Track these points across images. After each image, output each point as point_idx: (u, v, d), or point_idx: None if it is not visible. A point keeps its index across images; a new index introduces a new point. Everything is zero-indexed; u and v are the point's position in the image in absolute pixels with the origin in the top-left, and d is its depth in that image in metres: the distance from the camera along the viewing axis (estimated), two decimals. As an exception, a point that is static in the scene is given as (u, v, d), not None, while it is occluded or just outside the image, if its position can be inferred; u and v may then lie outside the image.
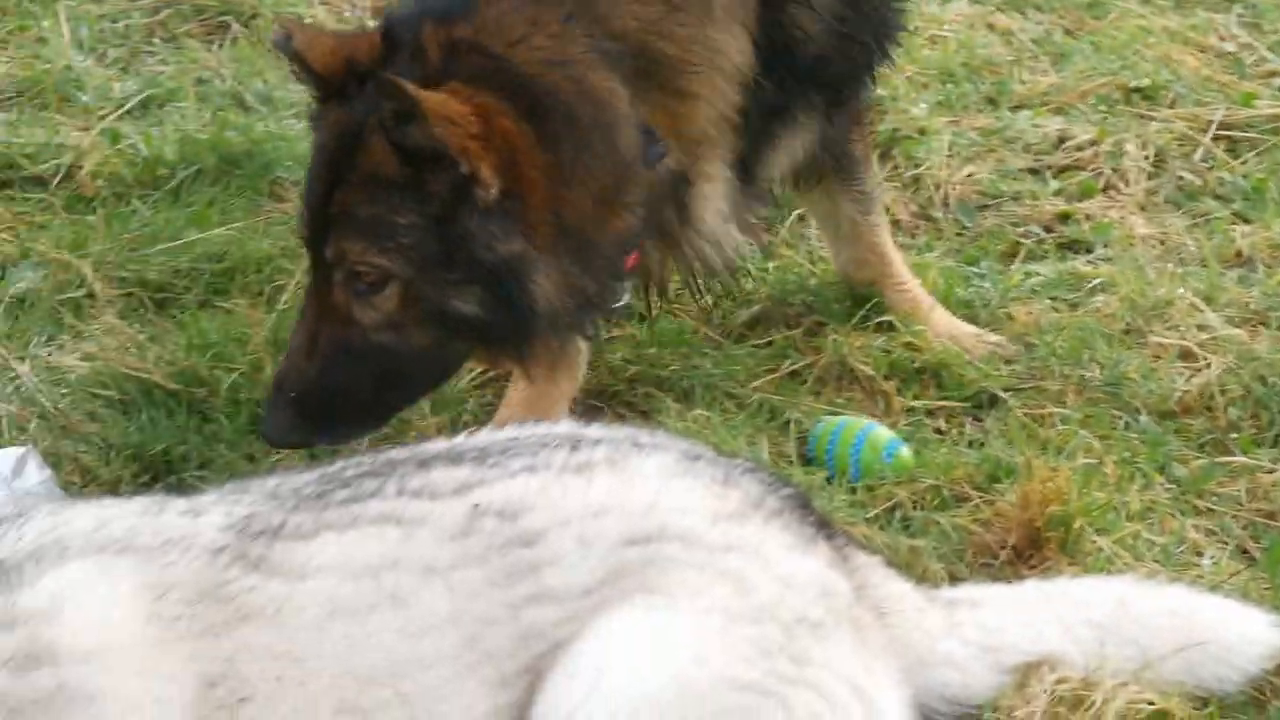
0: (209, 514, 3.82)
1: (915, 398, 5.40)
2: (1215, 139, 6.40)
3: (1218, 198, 6.16)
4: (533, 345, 4.87)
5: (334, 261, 4.73)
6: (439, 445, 4.10)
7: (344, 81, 4.80)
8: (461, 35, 4.75)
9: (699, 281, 5.52)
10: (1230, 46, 6.88)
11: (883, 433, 5.11)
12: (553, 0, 4.84)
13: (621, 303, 5.15)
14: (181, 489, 4.66)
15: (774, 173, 5.39)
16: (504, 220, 4.65)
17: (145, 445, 5.16)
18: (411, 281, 4.70)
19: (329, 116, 4.87)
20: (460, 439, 4.13)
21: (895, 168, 6.44)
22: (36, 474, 4.84)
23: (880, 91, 6.48)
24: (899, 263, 5.60)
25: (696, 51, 4.98)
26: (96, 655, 3.55)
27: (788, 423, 5.26)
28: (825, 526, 4.07)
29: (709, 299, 5.70)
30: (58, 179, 6.28)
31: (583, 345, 5.34)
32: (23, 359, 5.40)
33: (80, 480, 5.01)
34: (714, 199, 5.12)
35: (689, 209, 5.10)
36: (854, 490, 4.90)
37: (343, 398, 4.85)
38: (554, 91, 4.75)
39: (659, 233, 5.12)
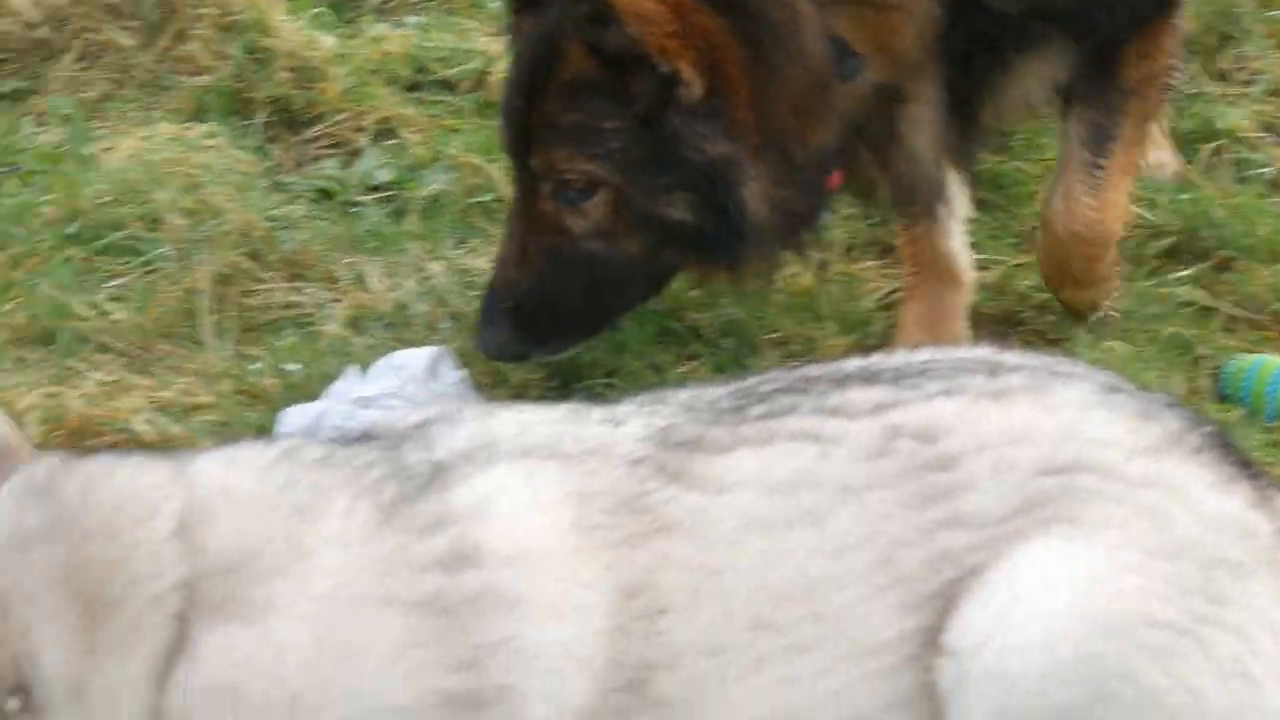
0: (628, 424, 3.82)
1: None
2: None
3: None
4: (743, 256, 4.86)
5: (540, 172, 4.74)
6: (855, 364, 4.06)
7: None
8: None
9: (900, 209, 5.39)
10: None
11: None
12: None
13: (826, 220, 5.13)
14: (589, 396, 4.68)
15: (999, 110, 5.15)
16: (710, 120, 4.62)
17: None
18: (621, 187, 4.69)
19: (523, 27, 4.86)
20: (876, 358, 4.10)
21: (1253, 71, 6.37)
22: (451, 374, 4.93)
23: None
24: (1103, 232, 5.23)
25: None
26: (520, 560, 3.60)
27: (1199, 358, 5.16)
28: (1246, 466, 3.95)
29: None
30: (468, 84, 6.27)
31: (969, 260, 5.31)
32: (435, 260, 5.41)
33: (490, 382, 5.06)
34: (922, 124, 5.03)
35: (895, 130, 5.02)
36: (1269, 429, 4.80)
37: (556, 308, 4.87)
38: (764, 8, 4.64)
39: (870, 151, 5.04)
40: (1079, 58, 5.08)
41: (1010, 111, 5.18)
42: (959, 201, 5.29)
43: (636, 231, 4.75)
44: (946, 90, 5.00)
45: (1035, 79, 5.07)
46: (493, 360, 5.01)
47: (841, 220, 5.63)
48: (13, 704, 3.36)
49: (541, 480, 3.69)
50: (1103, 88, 5.14)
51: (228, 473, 3.69)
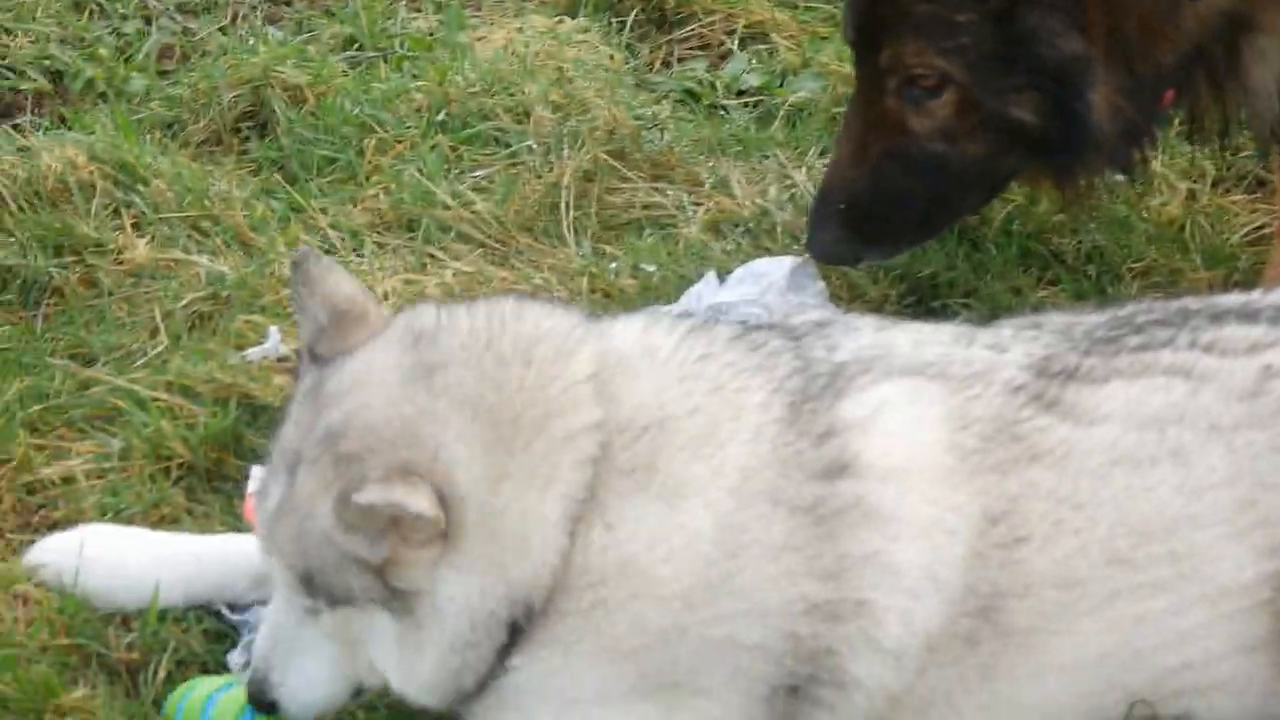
0: (1011, 351, 3.85)
1: None
2: None
3: None
4: (1079, 164, 4.78)
5: (888, 67, 4.61)
6: (1233, 299, 4.04)
7: None
8: None
9: (1226, 140, 5.25)
10: None
11: None
12: None
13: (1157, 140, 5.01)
14: (946, 314, 4.64)
15: None
16: (1065, 16, 4.48)
17: (913, 268, 5.15)
18: (970, 86, 4.57)
19: None
20: (1255, 295, 4.08)
21: None
22: (812, 285, 4.91)
23: None
24: None
25: None
26: (895, 477, 3.63)
27: None
28: None
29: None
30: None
31: None
32: (800, 167, 5.38)
33: (847, 296, 5.04)
34: (1269, 56, 4.84)
35: (1239, 59, 4.84)
36: None
37: (890, 211, 4.78)
38: None
39: (1207, 78, 4.87)
40: None
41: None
42: None
43: (980, 133, 4.66)
44: None
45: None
46: (822, 263, 4.95)
47: (1211, 151, 5.53)
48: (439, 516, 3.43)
49: (926, 400, 3.75)
50: None
51: (646, 333, 3.78)
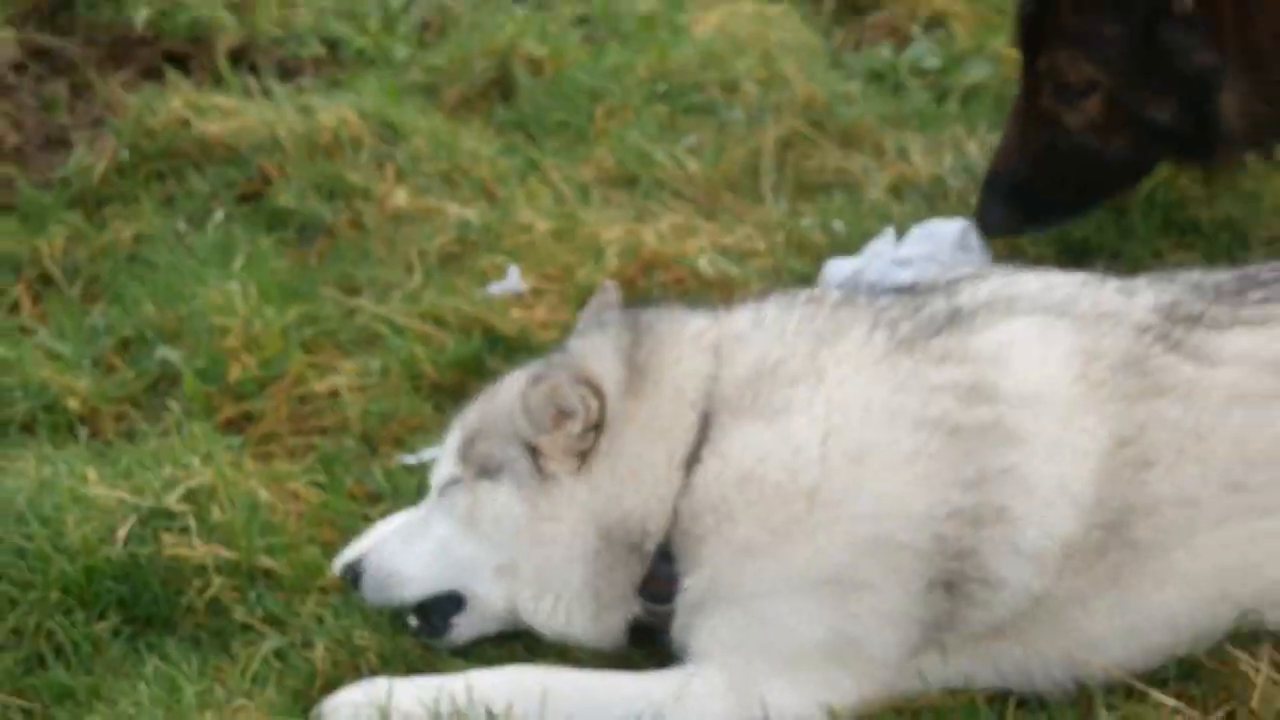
0: (1141, 295, 3.88)
1: None
2: None
3: None
4: (1216, 157, 4.83)
5: (1045, 71, 4.74)
6: None
7: None
8: None
9: None
10: None
11: None
12: None
13: None
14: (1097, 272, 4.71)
15: None
16: (1199, 33, 4.55)
17: (1066, 231, 5.21)
18: (1114, 89, 4.69)
19: None
20: None
21: None
22: (978, 244, 5.01)
23: None
24: None
25: None
26: (1031, 402, 3.68)
27: None
28: None
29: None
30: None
31: None
32: (972, 140, 5.47)
33: (1009, 254, 5.06)
34: None
35: None
36: None
37: (1047, 192, 4.86)
38: None
39: None
40: None
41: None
42: None
43: (1123, 129, 4.74)
44: None
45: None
46: (989, 236, 5.03)
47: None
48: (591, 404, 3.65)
49: (1056, 335, 3.78)
50: None
51: (759, 311, 3.84)
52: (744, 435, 3.64)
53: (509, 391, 3.75)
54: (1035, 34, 4.75)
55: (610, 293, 3.99)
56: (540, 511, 3.70)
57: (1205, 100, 4.61)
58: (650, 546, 3.66)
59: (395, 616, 3.85)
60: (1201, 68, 4.57)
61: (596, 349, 3.74)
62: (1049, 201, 4.88)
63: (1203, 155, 4.81)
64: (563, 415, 3.63)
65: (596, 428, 3.65)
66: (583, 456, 3.66)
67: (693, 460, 3.64)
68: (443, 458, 3.85)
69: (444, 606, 3.80)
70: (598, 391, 3.65)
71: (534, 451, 3.67)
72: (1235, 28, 4.57)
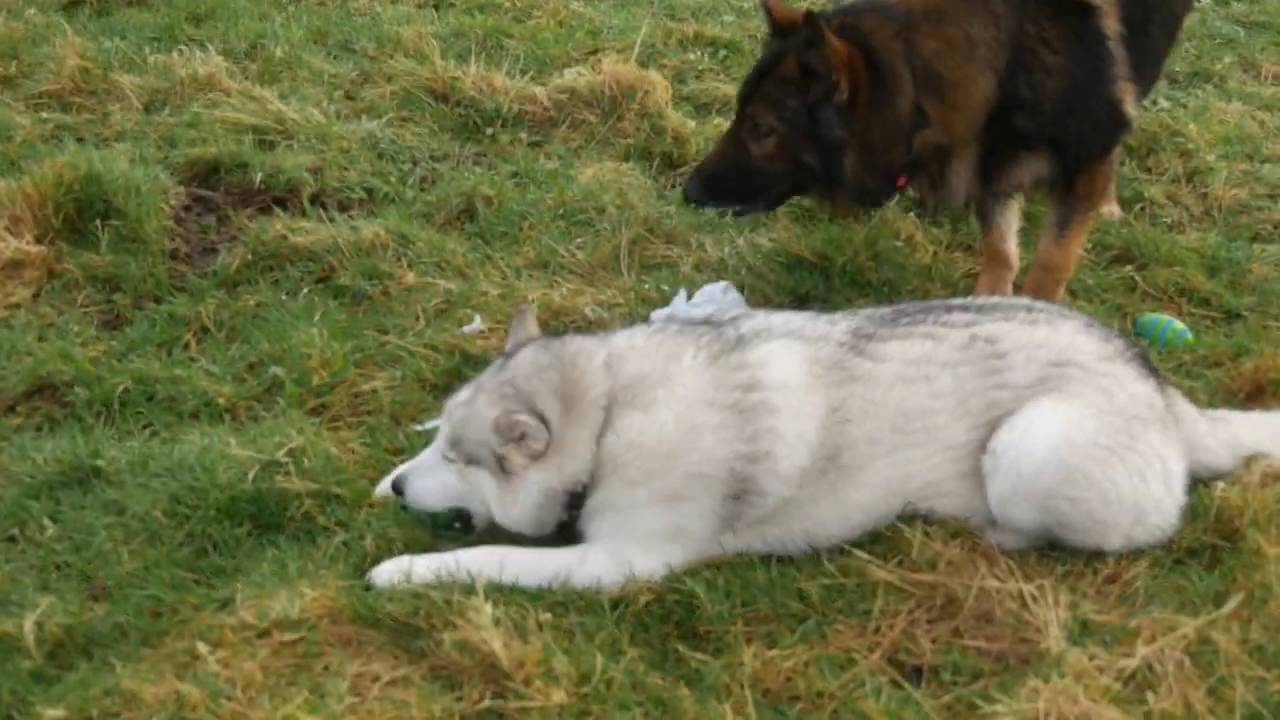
0: (840, 324, 3.93)
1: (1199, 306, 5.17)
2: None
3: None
4: (837, 196, 4.87)
5: (748, 116, 4.78)
6: (956, 301, 4.14)
7: (785, 29, 4.75)
8: (850, 22, 4.64)
9: (937, 216, 5.44)
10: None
11: (1179, 324, 4.94)
12: (893, 18, 4.65)
13: (891, 201, 5.15)
14: (816, 307, 4.67)
15: (1004, 185, 4.96)
16: (841, 117, 4.61)
17: (796, 287, 5.19)
18: (784, 135, 4.71)
19: (771, 45, 4.83)
20: (967, 299, 4.20)
21: (1165, 166, 6.16)
22: (734, 295, 5.02)
23: (1188, 145, 6.19)
24: (1062, 268, 5.07)
25: (959, 80, 4.68)
26: (782, 388, 3.73)
27: (1128, 313, 5.13)
28: (1154, 370, 4.01)
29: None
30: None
31: (1015, 253, 5.25)
32: (739, 239, 5.44)
33: (757, 300, 5.03)
34: (959, 174, 4.87)
35: (942, 173, 4.88)
36: (1159, 354, 4.76)
37: (728, 187, 4.90)
38: (882, 64, 4.60)
39: (925, 177, 4.91)
40: (1055, 169, 4.92)
41: (1013, 187, 5.02)
42: (1012, 220, 5.22)
43: (783, 162, 4.76)
44: (979, 162, 4.87)
45: (1030, 172, 4.92)
46: (689, 202, 5.10)
47: (943, 231, 5.57)
48: (541, 432, 3.66)
49: (794, 349, 3.83)
50: (1064, 193, 5.01)
51: (630, 338, 3.85)
52: (630, 419, 3.67)
53: (483, 409, 3.68)
54: (749, 94, 4.77)
55: (527, 310, 4.00)
56: (507, 487, 3.69)
57: (835, 159, 4.66)
58: (578, 489, 3.68)
59: (433, 524, 3.90)
60: (836, 139, 4.61)
61: (541, 388, 3.68)
62: (728, 193, 4.92)
63: (829, 194, 4.85)
64: (522, 436, 3.62)
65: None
66: (534, 457, 3.64)
67: (601, 436, 3.65)
68: (440, 433, 3.81)
69: (464, 515, 3.83)
70: (545, 420, 3.64)
71: (501, 458, 3.65)
72: (862, 121, 4.60)
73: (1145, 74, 5.10)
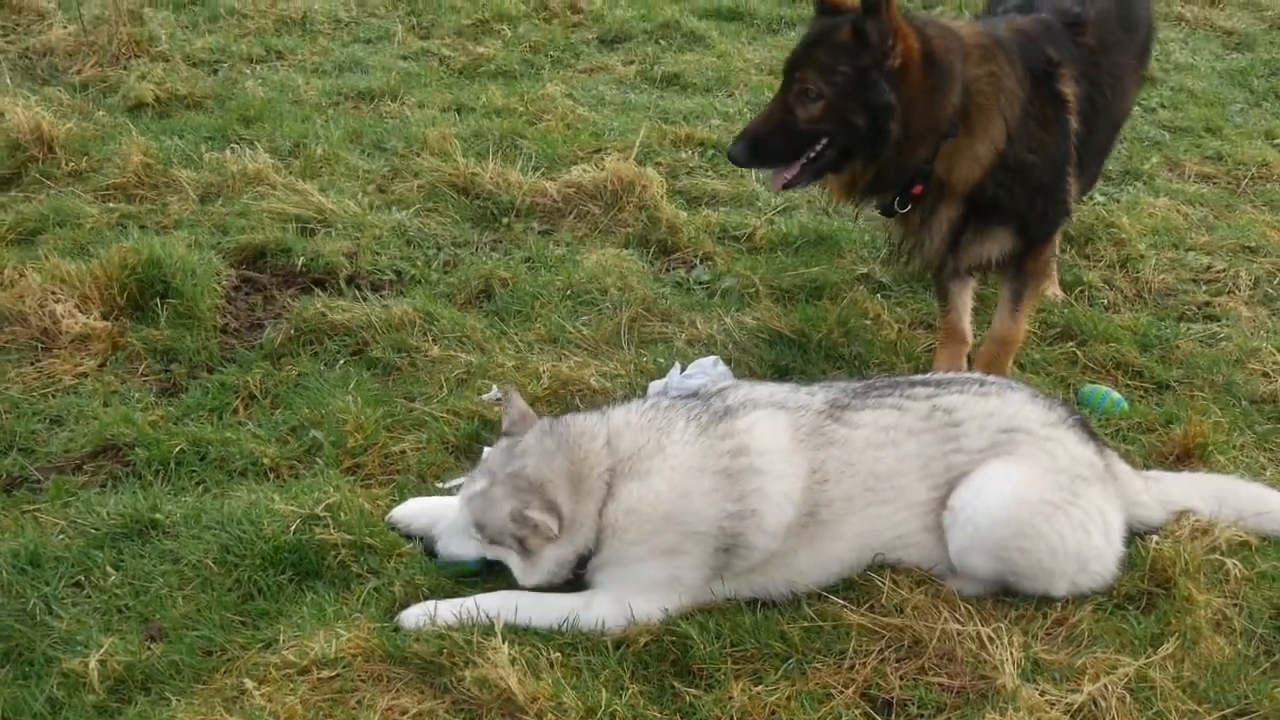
0: (818, 395, 3.93)
1: (1133, 378, 5.17)
2: (1289, 274, 6.02)
3: (1285, 302, 5.80)
4: (870, 170, 4.57)
5: (798, 81, 4.49)
6: (919, 376, 4.14)
7: (834, 9, 4.52)
8: (911, 18, 4.47)
9: (906, 264, 5.01)
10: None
11: (1115, 394, 4.95)
12: (950, 34, 4.54)
13: (902, 210, 4.75)
14: (796, 380, 4.66)
15: (970, 260, 4.87)
16: (890, 83, 4.36)
17: (777, 360, 5.18)
18: (834, 99, 4.44)
19: (819, 21, 4.56)
20: (929, 375, 4.19)
21: (1101, 253, 6.15)
22: (723, 367, 4.97)
23: (1121, 235, 6.22)
24: (1014, 340, 5.04)
25: (981, 115, 4.56)
26: (766, 453, 3.72)
27: (1070, 385, 5.12)
28: (1094, 435, 4.03)
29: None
30: (748, 240, 6.22)
31: (971, 331, 5.21)
32: (727, 319, 5.44)
33: (745, 373, 5.01)
34: (942, 222, 4.75)
35: (932, 211, 4.72)
36: (1099, 421, 4.75)
37: (772, 149, 4.55)
38: (937, 55, 4.43)
39: (918, 212, 4.74)
40: (1016, 246, 4.85)
41: (977, 263, 4.92)
42: (968, 300, 5.25)
43: (830, 123, 4.47)
44: (958, 222, 4.76)
45: (997, 247, 4.82)
46: (735, 163, 4.73)
47: (907, 310, 5.57)
48: (553, 523, 3.63)
49: (778, 417, 3.81)
50: (1017, 272, 4.97)
51: (626, 414, 3.81)
52: (629, 489, 3.64)
53: (500, 501, 3.65)
54: (798, 60, 4.51)
55: (512, 394, 3.93)
56: (528, 562, 3.67)
57: (883, 122, 4.42)
58: (586, 553, 3.66)
59: (455, 573, 3.90)
60: (886, 102, 4.39)
61: (552, 476, 3.65)
62: (771, 154, 4.59)
63: (870, 160, 4.55)
64: (536, 526, 3.60)
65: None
66: (550, 539, 3.62)
67: (604, 506, 3.63)
68: (457, 510, 3.81)
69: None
70: (558, 511, 3.62)
71: (520, 540, 3.64)
72: (907, 99, 4.42)
73: (1087, 170, 5.12)
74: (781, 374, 5.03)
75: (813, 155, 4.57)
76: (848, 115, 4.44)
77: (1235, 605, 3.81)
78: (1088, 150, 4.94)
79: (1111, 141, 5.50)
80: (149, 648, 3.59)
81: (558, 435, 3.74)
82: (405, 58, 8.65)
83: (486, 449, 3.96)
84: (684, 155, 7.10)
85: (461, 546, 3.81)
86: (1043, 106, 4.66)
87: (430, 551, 3.88)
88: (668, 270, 5.95)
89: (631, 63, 8.67)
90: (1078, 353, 5.30)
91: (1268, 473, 4.47)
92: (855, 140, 4.49)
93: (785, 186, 4.67)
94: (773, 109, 4.59)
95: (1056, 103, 4.71)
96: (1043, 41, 4.76)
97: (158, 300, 5.30)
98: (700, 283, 5.81)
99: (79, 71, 7.92)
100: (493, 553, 3.77)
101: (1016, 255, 4.88)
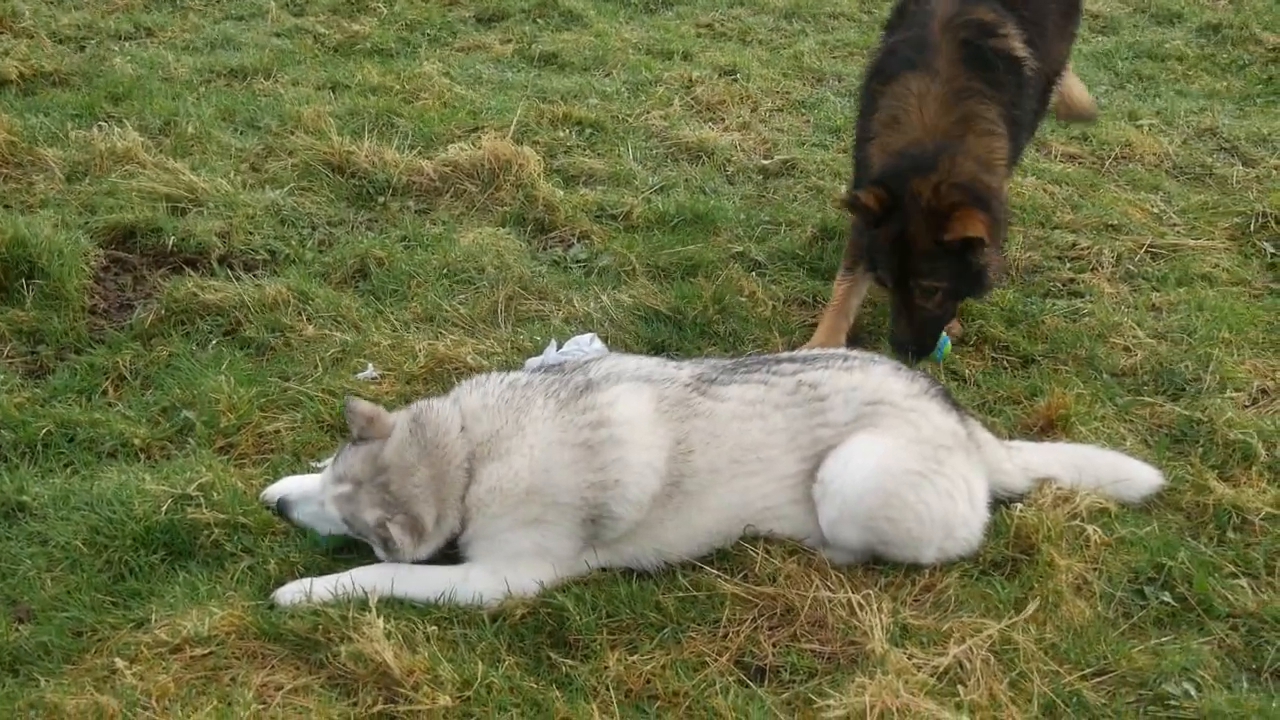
0: (686, 369, 4.00)
1: (1000, 351, 5.31)
2: (1147, 251, 6.18)
3: (1144, 278, 5.94)
4: (981, 297, 5.11)
5: (914, 287, 4.84)
6: (787, 354, 4.25)
7: (881, 215, 4.80)
8: (938, 180, 4.74)
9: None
10: (1154, 209, 6.60)
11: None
12: (971, 156, 4.83)
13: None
14: (668, 354, 4.71)
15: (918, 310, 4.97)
16: (981, 255, 4.76)
17: (653, 337, 5.22)
18: (948, 289, 4.85)
19: (882, 233, 4.84)
20: (797, 351, 4.37)
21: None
22: (598, 344, 4.99)
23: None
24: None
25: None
26: (629, 423, 3.76)
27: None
28: (956, 404, 4.13)
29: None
30: (624, 219, 6.22)
31: (855, 310, 5.33)
32: (602, 296, 5.45)
33: (623, 350, 5.00)
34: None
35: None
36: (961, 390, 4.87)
37: (922, 339, 4.92)
38: (988, 199, 4.80)
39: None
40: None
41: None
42: (866, 281, 5.34)
43: (950, 306, 4.94)
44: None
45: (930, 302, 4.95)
46: (900, 354, 4.88)
47: (781, 287, 5.65)
48: (418, 533, 3.71)
49: (642, 390, 3.84)
50: None
51: (483, 397, 3.82)
52: (489, 469, 3.67)
53: (364, 512, 3.68)
54: (903, 274, 4.85)
55: (353, 403, 3.84)
56: (392, 556, 3.69)
57: (982, 282, 4.87)
58: (453, 537, 3.70)
59: (329, 549, 3.92)
60: (984, 266, 4.80)
61: (414, 490, 3.67)
62: (924, 342, 4.94)
63: (977, 296, 5.03)
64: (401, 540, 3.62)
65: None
66: (415, 541, 3.66)
67: (465, 491, 3.66)
68: (327, 487, 3.79)
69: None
70: (421, 526, 3.67)
71: (386, 541, 3.64)
72: (990, 253, 4.80)
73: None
74: (658, 350, 5.09)
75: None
76: (960, 297, 5.02)
77: (1095, 570, 3.95)
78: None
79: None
80: (17, 629, 3.55)
81: (418, 442, 3.74)
82: (279, 35, 8.54)
83: (342, 449, 3.91)
84: (561, 134, 7.10)
85: (325, 524, 3.83)
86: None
87: (283, 512, 3.89)
88: (545, 249, 5.96)
89: (509, 41, 8.66)
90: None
91: (1128, 442, 4.62)
92: (966, 295, 5.06)
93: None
94: (907, 310, 4.94)
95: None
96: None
97: (23, 281, 5.19)
98: (577, 261, 5.84)
99: (-63, 47, 7.72)
100: (358, 535, 3.81)
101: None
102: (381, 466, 3.71)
